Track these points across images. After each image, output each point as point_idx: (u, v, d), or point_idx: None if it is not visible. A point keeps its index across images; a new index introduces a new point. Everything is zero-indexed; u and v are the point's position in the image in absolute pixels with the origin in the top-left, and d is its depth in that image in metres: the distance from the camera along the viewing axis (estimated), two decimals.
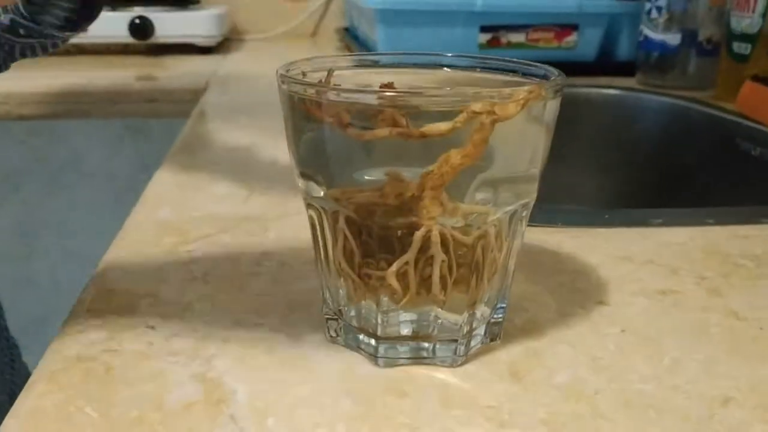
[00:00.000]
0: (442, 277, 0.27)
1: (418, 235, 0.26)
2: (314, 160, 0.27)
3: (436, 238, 0.26)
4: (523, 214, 0.29)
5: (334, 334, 0.30)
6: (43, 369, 0.28)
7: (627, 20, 0.92)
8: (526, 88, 0.24)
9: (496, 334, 0.30)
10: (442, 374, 0.28)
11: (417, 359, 0.28)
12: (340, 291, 0.29)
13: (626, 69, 0.89)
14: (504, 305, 0.30)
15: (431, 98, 0.25)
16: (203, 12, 1.11)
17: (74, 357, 0.28)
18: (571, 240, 0.40)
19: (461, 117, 0.23)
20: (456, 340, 0.28)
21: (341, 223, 0.27)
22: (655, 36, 0.83)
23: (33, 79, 0.96)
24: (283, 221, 0.42)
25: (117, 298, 0.33)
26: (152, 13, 1.05)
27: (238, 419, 0.25)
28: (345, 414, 0.25)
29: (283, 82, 0.27)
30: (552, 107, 0.26)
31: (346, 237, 0.27)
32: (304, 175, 0.28)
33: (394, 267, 0.26)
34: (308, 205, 0.29)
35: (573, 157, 0.83)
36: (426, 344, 0.28)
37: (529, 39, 0.91)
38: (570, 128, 0.84)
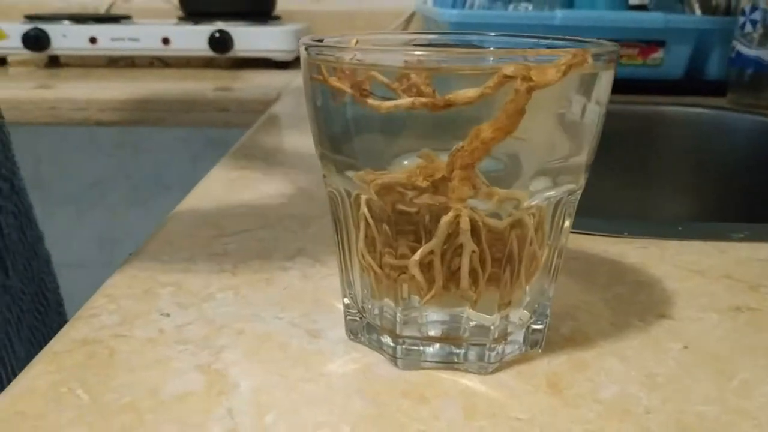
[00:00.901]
0: (473, 271, 0.24)
1: (445, 219, 0.23)
2: (337, 139, 0.25)
3: (465, 224, 0.23)
4: (568, 209, 0.25)
5: (356, 333, 0.27)
6: (47, 350, 0.26)
7: (717, 36, 0.86)
8: (570, 49, 0.21)
9: (537, 342, 0.26)
10: (469, 381, 0.25)
11: (446, 364, 0.25)
12: (363, 288, 0.26)
13: (716, 88, 0.82)
14: (547, 310, 0.27)
15: (462, 58, 0.23)
16: (281, 27, 1.12)
17: (81, 340, 0.27)
18: (637, 251, 0.36)
19: (491, 81, 0.21)
20: (485, 345, 0.25)
21: (363, 208, 0.25)
22: (749, 52, 0.77)
23: (112, 88, 0.99)
24: (325, 219, 0.40)
25: (138, 285, 0.31)
26: (232, 27, 1.07)
27: (236, 413, 0.23)
28: (353, 415, 0.23)
29: (304, 50, 0.24)
30: (604, 80, 0.23)
31: (368, 224, 0.25)
32: (325, 157, 0.26)
33: (417, 256, 0.24)
34: (329, 190, 0.27)
35: (657, 176, 0.78)
36: (456, 349, 0.25)
37: None
38: (656, 147, 0.79)
